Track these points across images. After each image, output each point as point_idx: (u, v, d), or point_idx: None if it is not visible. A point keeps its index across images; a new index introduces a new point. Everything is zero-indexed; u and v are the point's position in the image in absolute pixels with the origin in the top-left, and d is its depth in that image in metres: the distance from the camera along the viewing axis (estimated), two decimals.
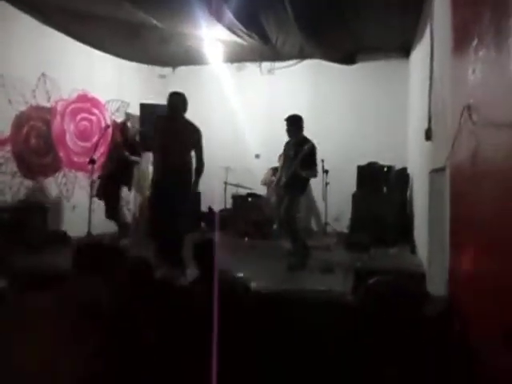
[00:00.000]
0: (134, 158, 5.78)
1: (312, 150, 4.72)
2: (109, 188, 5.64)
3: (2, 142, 5.41)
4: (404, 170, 6.43)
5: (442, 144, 3.25)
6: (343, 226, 6.54)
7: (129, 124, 6.03)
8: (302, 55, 7.02)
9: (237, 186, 7.05)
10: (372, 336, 2.04)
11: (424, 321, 2.14)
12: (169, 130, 4.16)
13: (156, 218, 4.21)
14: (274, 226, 6.37)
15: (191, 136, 4.19)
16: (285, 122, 4.91)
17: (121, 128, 6.10)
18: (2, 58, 5.35)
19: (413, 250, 5.12)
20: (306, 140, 4.81)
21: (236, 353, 1.99)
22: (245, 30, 5.54)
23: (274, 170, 6.21)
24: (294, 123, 4.86)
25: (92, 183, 5.68)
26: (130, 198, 7.05)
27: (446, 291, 2.85)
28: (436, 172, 3.63)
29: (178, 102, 4.26)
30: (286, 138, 5.12)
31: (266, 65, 7.60)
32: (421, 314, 2.22)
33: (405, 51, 6.73)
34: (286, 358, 2.67)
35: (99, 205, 5.93)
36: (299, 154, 4.67)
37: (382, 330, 2.03)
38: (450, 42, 2.99)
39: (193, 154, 4.25)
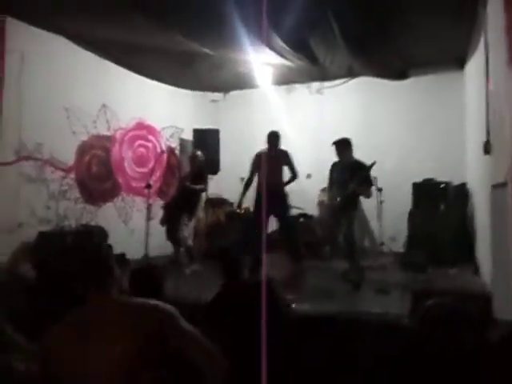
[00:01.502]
0: (199, 186, 5.96)
1: (369, 171, 4.90)
2: (171, 214, 5.92)
3: (67, 170, 5.78)
4: (463, 185, 6.14)
5: (503, 158, 3.10)
6: (399, 245, 6.31)
7: (198, 153, 6.15)
8: (350, 74, 6.98)
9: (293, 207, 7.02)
10: (430, 362, 1.94)
11: (488, 348, 2.01)
12: (270, 161, 5.38)
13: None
14: (326, 247, 6.27)
15: (285, 159, 5.45)
16: (335, 146, 5.07)
17: (191, 158, 6.22)
18: (66, 93, 5.75)
19: (476, 271, 4.84)
20: (359, 162, 4.96)
21: (288, 376, 1.96)
22: (293, 52, 5.60)
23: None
24: (348, 146, 5.04)
25: (149, 207, 5.89)
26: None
27: None
28: (497, 187, 3.45)
29: (276, 139, 5.46)
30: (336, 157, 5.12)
31: (315, 85, 7.63)
32: (485, 339, 2.09)
33: (459, 63, 6.50)
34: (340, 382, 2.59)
35: (156, 228, 6.15)
36: (357, 175, 4.78)
37: (441, 356, 1.93)
38: (505, 52, 2.88)
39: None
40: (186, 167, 6.30)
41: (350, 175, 4.83)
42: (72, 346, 1.55)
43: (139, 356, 1.50)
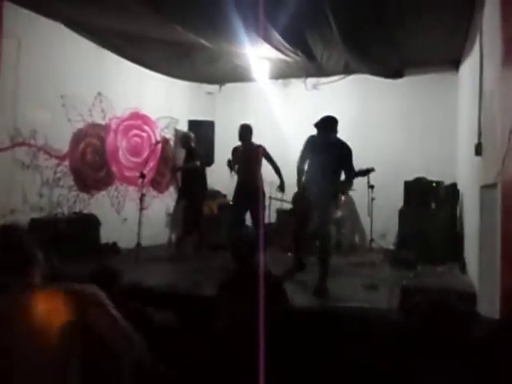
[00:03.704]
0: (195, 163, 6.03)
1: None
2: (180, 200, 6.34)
3: (61, 158, 5.76)
4: (454, 185, 6.23)
5: (493, 159, 3.16)
6: (389, 242, 6.40)
7: (190, 134, 6.34)
8: (347, 70, 7.01)
9: (281, 200, 7.08)
10: (418, 357, 1.99)
11: (473, 343, 2.07)
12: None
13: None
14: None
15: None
16: (321, 125, 4.75)
17: (182, 139, 6.40)
18: (62, 80, 5.72)
19: (463, 269, 4.93)
20: (344, 143, 4.76)
21: (279, 370, 2.00)
22: (290, 47, 5.62)
23: None
24: (336, 126, 4.73)
25: (142, 196, 5.91)
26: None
27: (498, 313, 2.74)
28: (487, 188, 3.52)
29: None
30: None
31: (311, 80, 7.65)
32: (470, 335, 2.15)
33: (454, 64, 6.57)
34: (328, 377, 2.65)
35: (149, 218, 6.18)
36: (344, 163, 4.64)
37: (429, 351, 1.99)
38: (499, 55, 2.93)
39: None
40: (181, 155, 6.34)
41: (334, 159, 4.43)
42: None
43: (64, 343, 1.48)
